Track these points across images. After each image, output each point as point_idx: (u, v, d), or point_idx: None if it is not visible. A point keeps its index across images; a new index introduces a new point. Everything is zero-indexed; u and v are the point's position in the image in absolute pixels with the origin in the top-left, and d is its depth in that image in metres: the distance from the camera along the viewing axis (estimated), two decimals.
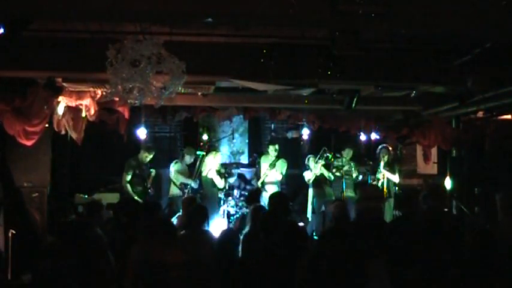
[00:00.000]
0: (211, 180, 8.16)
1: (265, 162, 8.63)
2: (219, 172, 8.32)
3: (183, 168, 8.29)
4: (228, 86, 6.44)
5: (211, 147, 9.07)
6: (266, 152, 8.85)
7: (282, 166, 8.47)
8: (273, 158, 8.53)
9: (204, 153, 8.29)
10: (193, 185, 8.04)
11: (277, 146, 8.62)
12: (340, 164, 8.55)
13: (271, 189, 8.15)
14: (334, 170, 8.55)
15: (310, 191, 8.63)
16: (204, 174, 8.11)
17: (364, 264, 1.41)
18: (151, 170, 7.95)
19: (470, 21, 4.08)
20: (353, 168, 8.56)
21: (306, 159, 8.71)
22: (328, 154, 8.44)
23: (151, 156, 7.92)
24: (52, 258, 1.34)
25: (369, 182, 8.60)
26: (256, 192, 6.29)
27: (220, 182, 8.26)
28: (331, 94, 6.98)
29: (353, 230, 4.49)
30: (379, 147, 8.62)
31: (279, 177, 8.49)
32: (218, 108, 8.33)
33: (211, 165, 8.11)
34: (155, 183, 8.34)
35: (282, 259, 3.33)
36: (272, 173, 8.44)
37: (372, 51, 5.29)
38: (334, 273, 1.40)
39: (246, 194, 8.85)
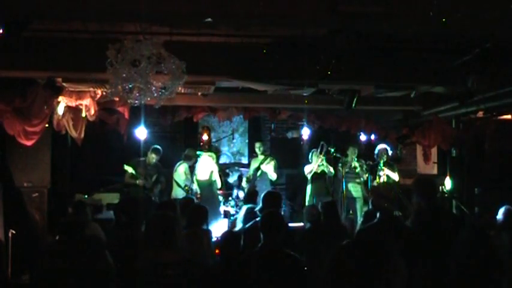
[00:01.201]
0: (211, 181, 8.13)
1: (255, 163, 8.64)
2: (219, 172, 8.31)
3: (188, 170, 8.29)
4: (228, 86, 6.45)
5: (212, 147, 9.06)
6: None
7: (269, 164, 8.42)
8: (262, 157, 8.51)
9: (203, 153, 8.29)
10: (195, 188, 8.05)
11: (261, 144, 8.65)
12: (347, 160, 8.50)
13: (262, 189, 8.16)
14: (340, 166, 8.50)
15: (309, 189, 8.52)
16: (200, 177, 8.07)
17: (389, 262, 1.41)
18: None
19: (471, 21, 4.08)
20: (364, 168, 8.48)
21: (310, 153, 8.61)
22: (329, 148, 8.39)
23: (158, 157, 8.06)
24: (50, 258, 1.34)
25: (369, 181, 8.58)
26: (253, 193, 6.31)
27: (219, 182, 8.28)
28: (331, 94, 6.98)
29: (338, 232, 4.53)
30: (378, 147, 8.61)
31: (274, 176, 8.41)
32: (218, 108, 8.34)
33: (212, 167, 8.09)
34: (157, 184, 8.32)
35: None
36: (266, 168, 8.40)
37: (372, 51, 5.29)
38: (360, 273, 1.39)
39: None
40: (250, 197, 6.10)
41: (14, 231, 5.70)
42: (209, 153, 8.28)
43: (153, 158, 8.04)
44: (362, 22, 4.00)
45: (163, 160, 8.77)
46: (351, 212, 8.29)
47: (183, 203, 5.61)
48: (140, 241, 3.36)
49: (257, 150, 8.69)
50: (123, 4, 3.88)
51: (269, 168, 8.43)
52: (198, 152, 8.28)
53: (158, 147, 8.15)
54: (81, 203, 5.76)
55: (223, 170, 9.81)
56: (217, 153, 8.78)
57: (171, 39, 4.86)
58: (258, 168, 8.53)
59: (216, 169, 8.15)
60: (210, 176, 8.11)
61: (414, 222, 3.94)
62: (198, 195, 7.94)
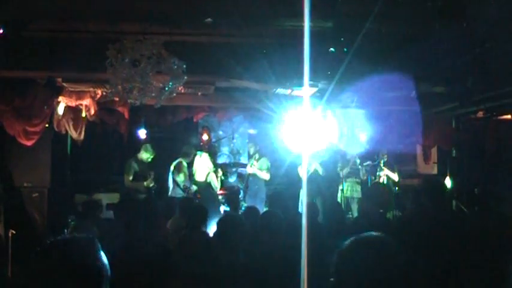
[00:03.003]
0: (208, 182, 8.08)
1: (250, 163, 8.62)
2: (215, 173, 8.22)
3: (187, 171, 8.22)
4: (228, 86, 6.45)
5: (211, 147, 9.03)
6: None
7: (261, 165, 8.33)
8: (256, 157, 8.45)
9: (204, 153, 8.26)
10: (194, 188, 7.99)
11: (253, 144, 8.55)
12: (346, 161, 8.47)
13: (254, 189, 8.13)
14: (339, 168, 8.48)
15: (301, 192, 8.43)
16: (198, 178, 8.04)
17: None
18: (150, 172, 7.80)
19: (471, 21, 4.08)
20: (361, 167, 8.45)
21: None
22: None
23: (150, 155, 7.78)
24: (41, 258, 1.35)
25: (369, 181, 8.58)
26: (234, 193, 6.31)
27: (217, 184, 8.22)
28: (332, 93, 6.98)
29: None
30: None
31: (265, 177, 8.29)
32: (218, 108, 8.33)
33: (209, 168, 8.03)
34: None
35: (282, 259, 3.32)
36: (254, 170, 8.33)
37: (371, 51, 5.29)
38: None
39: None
40: (232, 197, 6.10)
41: (14, 231, 5.70)
42: (205, 154, 8.20)
43: (147, 157, 7.76)
44: (362, 22, 4.00)
45: (164, 160, 8.77)
46: (350, 212, 8.27)
47: (183, 203, 5.60)
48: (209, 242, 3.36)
49: (250, 151, 8.63)
50: (123, 4, 3.88)
51: (256, 170, 8.32)
52: (198, 152, 8.25)
53: (150, 144, 7.90)
54: (92, 203, 5.65)
55: (223, 170, 9.81)
56: (212, 153, 8.60)
57: (171, 39, 4.86)
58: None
59: (211, 169, 8.05)
60: (207, 177, 8.06)
61: (412, 222, 3.94)
62: (198, 195, 7.90)
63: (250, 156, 9.04)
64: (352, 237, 1.44)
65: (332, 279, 1.41)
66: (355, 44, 4.61)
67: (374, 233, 1.46)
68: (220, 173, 8.36)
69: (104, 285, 1.45)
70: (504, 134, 7.86)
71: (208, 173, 8.00)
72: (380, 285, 1.33)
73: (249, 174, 8.46)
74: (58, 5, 3.96)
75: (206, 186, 8.01)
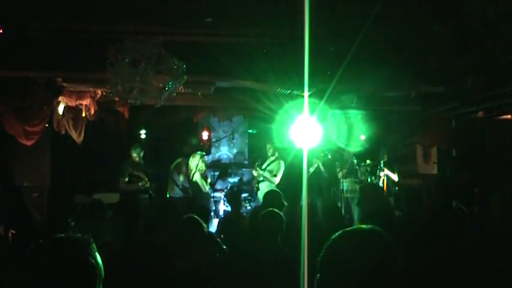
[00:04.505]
0: (195, 181, 8.01)
1: (265, 163, 8.50)
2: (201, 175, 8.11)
3: (185, 171, 8.17)
4: (228, 86, 6.45)
5: (211, 147, 8.99)
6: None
7: (273, 167, 8.14)
8: (272, 158, 8.37)
9: (204, 153, 8.23)
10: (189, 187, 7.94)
11: (271, 145, 8.28)
12: (344, 161, 8.46)
13: (264, 189, 8.09)
14: (338, 167, 8.48)
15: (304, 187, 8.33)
16: (191, 177, 7.99)
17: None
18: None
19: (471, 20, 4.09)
20: (359, 168, 8.44)
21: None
22: (326, 152, 8.37)
23: (138, 154, 7.71)
24: (35, 257, 1.36)
25: (369, 181, 8.58)
26: (236, 193, 6.28)
27: (205, 186, 8.07)
28: (332, 94, 6.98)
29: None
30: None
31: (273, 179, 8.05)
32: (218, 108, 8.33)
33: (196, 169, 7.96)
34: (154, 183, 8.27)
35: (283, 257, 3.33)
36: (259, 174, 8.19)
37: (370, 51, 5.29)
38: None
39: (247, 194, 8.84)
40: (232, 196, 6.08)
41: (14, 231, 5.71)
42: (198, 154, 8.11)
43: (138, 157, 7.67)
44: (362, 22, 4.00)
45: (163, 160, 8.77)
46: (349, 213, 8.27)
47: (184, 203, 5.60)
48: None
49: (268, 152, 8.33)
50: (123, 4, 3.88)
51: (266, 174, 8.13)
52: (198, 152, 8.23)
53: (138, 144, 7.88)
54: (98, 204, 5.62)
55: (225, 170, 9.81)
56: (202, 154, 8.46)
57: (171, 39, 4.87)
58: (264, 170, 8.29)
59: (198, 169, 7.95)
60: (193, 176, 7.99)
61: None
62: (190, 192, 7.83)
63: (258, 161, 8.75)
64: (338, 232, 1.40)
65: (318, 275, 1.38)
66: (355, 44, 4.61)
67: (363, 226, 1.43)
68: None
69: (96, 285, 1.45)
70: (504, 134, 7.86)
71: (194, 172, 7.91)
72: (367, 277, 1.30)
73: (255, 177, 8.33)
74: (58, 5, 3.96)
75: (195, 184, 7.97)
